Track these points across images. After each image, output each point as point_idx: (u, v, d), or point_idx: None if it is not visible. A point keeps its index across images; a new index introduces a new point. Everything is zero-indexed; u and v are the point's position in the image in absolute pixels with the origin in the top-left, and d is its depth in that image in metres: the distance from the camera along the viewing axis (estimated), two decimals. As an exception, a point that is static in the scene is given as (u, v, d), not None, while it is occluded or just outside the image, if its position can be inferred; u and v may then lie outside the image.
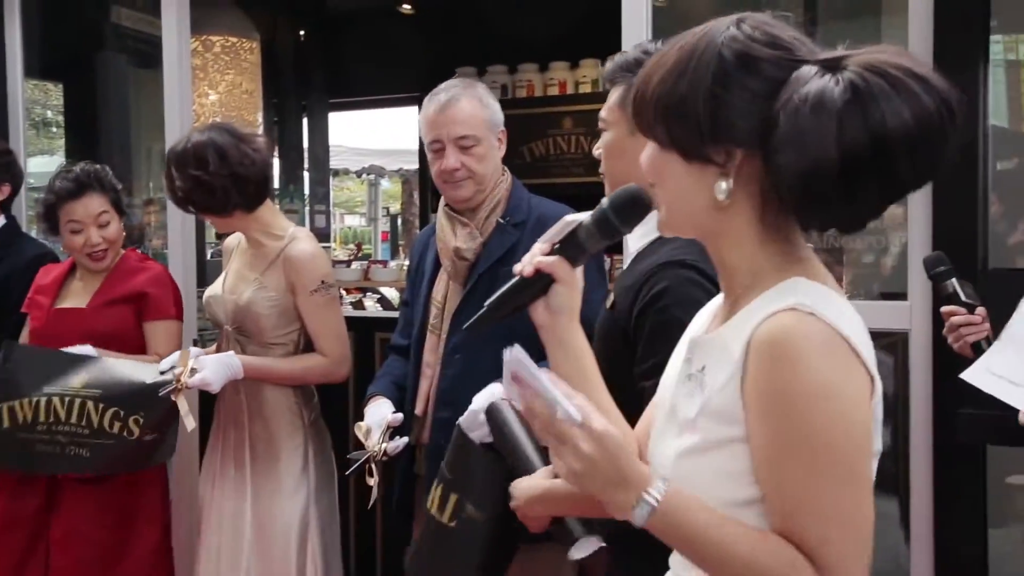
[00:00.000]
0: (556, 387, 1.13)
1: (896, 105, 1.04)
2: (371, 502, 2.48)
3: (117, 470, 2.85)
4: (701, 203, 1.18)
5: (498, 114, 2.51)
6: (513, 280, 1.32)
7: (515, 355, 1.15)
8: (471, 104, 2.46)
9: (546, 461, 1.74)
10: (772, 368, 1.09)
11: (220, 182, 2.70)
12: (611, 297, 1.80)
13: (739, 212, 1.18)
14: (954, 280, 2.21)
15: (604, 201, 1.28)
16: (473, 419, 2.13)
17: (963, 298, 2.19)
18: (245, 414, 2.84)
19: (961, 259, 2.32)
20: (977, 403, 2.14)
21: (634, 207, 1.27)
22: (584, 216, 1.29)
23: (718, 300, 1.33)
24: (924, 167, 1.07)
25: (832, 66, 1.09)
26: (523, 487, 1.67)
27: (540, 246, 1.30)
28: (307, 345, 2.84)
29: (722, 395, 1.15)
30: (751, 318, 1.14)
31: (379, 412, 2.50)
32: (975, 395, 2.12)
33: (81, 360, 2.79)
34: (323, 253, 2.94)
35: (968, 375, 2.12)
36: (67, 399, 2.73)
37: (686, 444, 1.19)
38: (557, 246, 1.30)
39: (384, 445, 2.41)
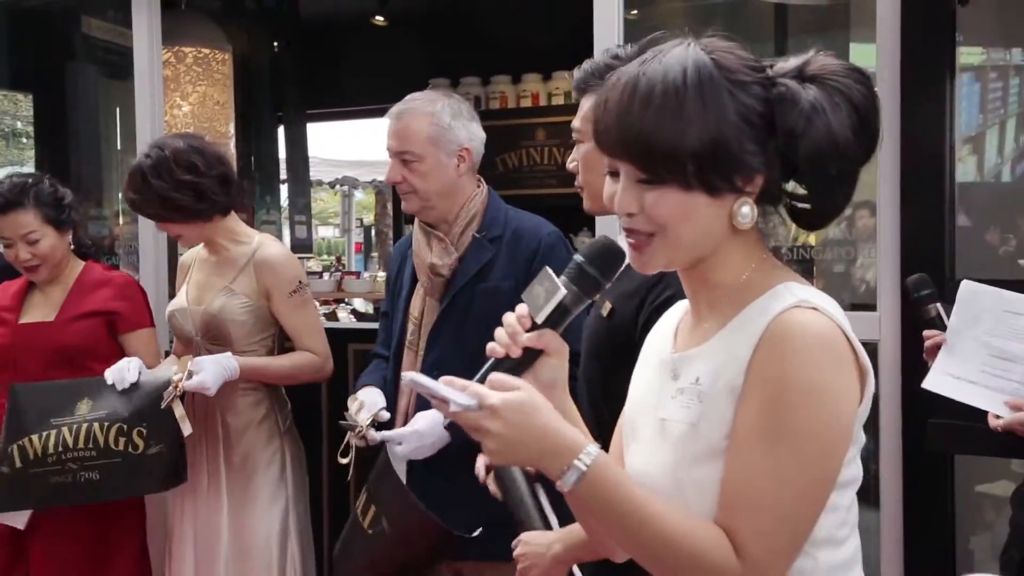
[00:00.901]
0: (451, 385, 1.14)
1: (858, 91, 1.18)
2: (348, 476, 2.57)
3: (132, 493, 2.78)
4: (718, 231, 1.19)
5: (455, 131, 2.45)
6: (490, 363, 1.22)
7: (409, 378, 1.16)
8: (419, 120, 2.44)
9: (544, 519, 1.78)
10: (776, 358, 1.12)
11: (210, 184, 2.71)
12: (608, 305, 1.79)
13: (746, 231, 1.21)
14: (938, 305, 2.23)
15: (578, 258, 1.22)
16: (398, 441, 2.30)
17: (946, 323, 2.21)
18: (219, 424, 2.82)
19: (928, 270, 2.34)
20: (945, 412, 2.16)
21: (611, 258, 1.22)
22: (554, 281, 1.20)
23: (675, 317, 1.35)
24: (878, 131, 1.21)
25: (801, 78, 1.19)
26: (531, 554, 1.72)
27: (517, 323, 1.21)
28: (281, 351, 2.85)
29: (727, 398, 1.16)
30: (754, 322, 1.16)
31: (372, 397, 2.51)
32: (943, 404, 2.14)
33: (82, 386, 2.75)
34: (293, 255, 2.97)
35: (928, 384, 2.15)
36: (75, 427, 2.67)
37: (689, 452, 1.19)
38: (543, 319, 1.20)
39: (369, 429, 2.41)
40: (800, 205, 1.22)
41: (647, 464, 1.26)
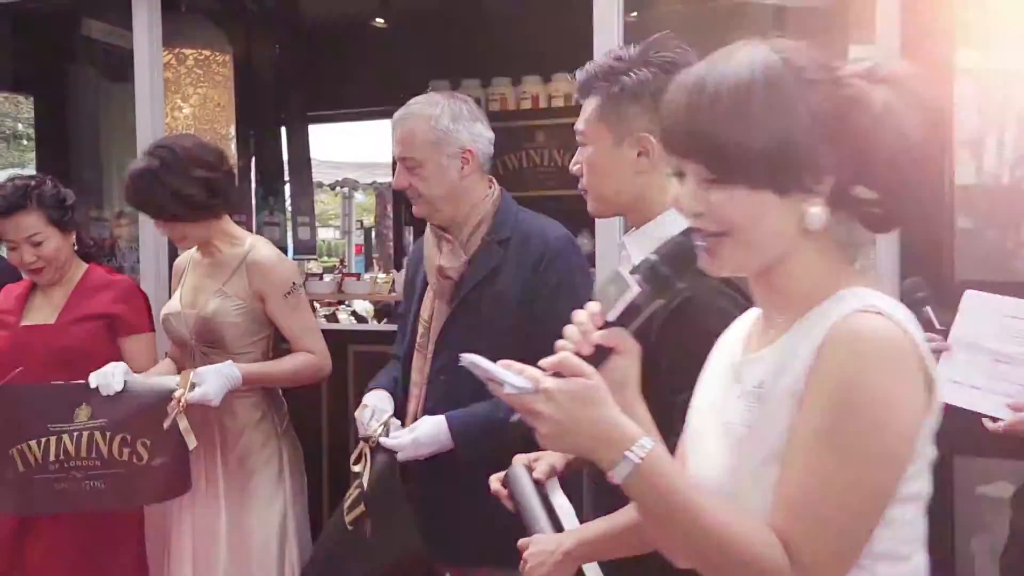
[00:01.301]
0: (509, 368, 1.15)
1: (928, 95, 1.19)
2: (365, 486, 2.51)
3: (137, 502, 2.81)
4: (788, 233, 1.18)
5: (455, 133, 2.42)
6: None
7: (468, 360, 1.16)
8: (416, 124, 2.42)
9: (556, 525, 1.75)
10: (836, 363, 1.10)
11: (221, 180, 2.74)
12: None
13: (817, 234, 1.18)
14: (929, 308, 2.25)
15: (652, 257, 1.20)
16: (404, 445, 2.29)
17: (937, 325, 2.23)
18: (215, 426, 2.81)
19: (928, 271, 2.35)
20: (944, 413, 2.17)
21: (685, 258, 1.21)
22: (625, 280, 1.19)
23: (747, 323, 1.33)
24: (947, 134, 1.26)
25: (871, 79, 1.17)
26: (540, 552, 1.67)
27: (589, 321, 1.19)
28: (275, 352, 2.86)
29: (787, 401, 1.15)
30: (817, 326, 1.14)
31: (381, 402, 2.49)
32: (941, 405, 2.15)
33: (81, 390, 2.72)
34: (285, 256, 2.99)
35: None
36: (75, 434, 2.66)
37: (747, 455, 1.18)
38: (614, 317, 1.19)
39: (380, 436, 2.39)
40: (870, 209, 1.19)
41: (709, 468, 1.25)
